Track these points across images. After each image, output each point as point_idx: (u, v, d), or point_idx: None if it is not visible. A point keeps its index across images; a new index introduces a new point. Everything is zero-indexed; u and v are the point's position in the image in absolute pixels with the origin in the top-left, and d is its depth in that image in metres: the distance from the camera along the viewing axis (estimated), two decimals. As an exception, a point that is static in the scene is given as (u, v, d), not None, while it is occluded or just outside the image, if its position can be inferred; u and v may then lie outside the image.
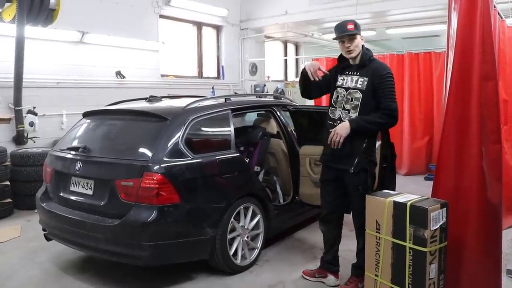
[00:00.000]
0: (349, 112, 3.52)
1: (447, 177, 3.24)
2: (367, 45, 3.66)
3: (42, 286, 3.87)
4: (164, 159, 3.60)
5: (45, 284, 3.91)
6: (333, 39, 3.70)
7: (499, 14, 4.73)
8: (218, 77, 10.67)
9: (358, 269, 3.58)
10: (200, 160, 3.84)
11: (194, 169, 3.78)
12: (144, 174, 3.48)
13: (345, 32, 3.46)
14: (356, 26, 3.47)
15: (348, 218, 4.60)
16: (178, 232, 3.62)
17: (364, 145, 3.49)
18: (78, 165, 3.86)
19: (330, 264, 3.88)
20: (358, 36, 3.47)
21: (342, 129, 3.40)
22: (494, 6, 3.38)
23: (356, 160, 3.48)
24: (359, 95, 3.49)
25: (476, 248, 3.17)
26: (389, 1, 8.74)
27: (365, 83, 3.48)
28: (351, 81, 3.56)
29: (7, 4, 6.04)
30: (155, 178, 3.47)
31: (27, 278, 4.01)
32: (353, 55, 3.52)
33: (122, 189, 3.56)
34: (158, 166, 3.52)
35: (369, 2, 8.84)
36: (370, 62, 3.53)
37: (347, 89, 3.57)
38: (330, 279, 3.86)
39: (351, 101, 3.52)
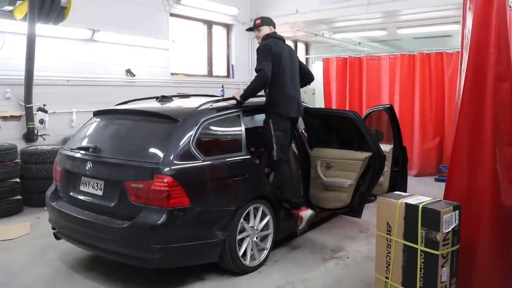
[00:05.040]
0: None
1: (460, 179, 3.19)
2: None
3: (51, 284, 3.88)
4: (175, 161, 3.57)
5: (54, 281, 3.92)
6: (246, 30, 5.08)
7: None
8: (228, 76, 10.65)
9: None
10: (210, 162, 3.79)
11: (205, 172, 3.75)
12: (155, 176, 3.45)
13: (252, 26, 4.61)
14: (263, 20, 4.56)
15: (354, 219, 4.58)
16: (188, 235, 3.59)
17: None
18: (88, 165, 3.85)
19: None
20: (262, 27, 4.53)
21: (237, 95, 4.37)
22: (510, 6, 3.32)
23: None
24: None
25: (489, 251, 3.13)
26: (400, 1, 8.64)
27: None
28: None
29: (18, 2, 6.06)
30: (165, 180, 3.44)
31: (36, 275, 4.03)
32: (258, 41, 4.56)
33: (132, 191, 3.54)
34: (168, 169, 3.49)
35: (380, 2, 8.76)
36: None
37: None
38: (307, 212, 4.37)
39: None
